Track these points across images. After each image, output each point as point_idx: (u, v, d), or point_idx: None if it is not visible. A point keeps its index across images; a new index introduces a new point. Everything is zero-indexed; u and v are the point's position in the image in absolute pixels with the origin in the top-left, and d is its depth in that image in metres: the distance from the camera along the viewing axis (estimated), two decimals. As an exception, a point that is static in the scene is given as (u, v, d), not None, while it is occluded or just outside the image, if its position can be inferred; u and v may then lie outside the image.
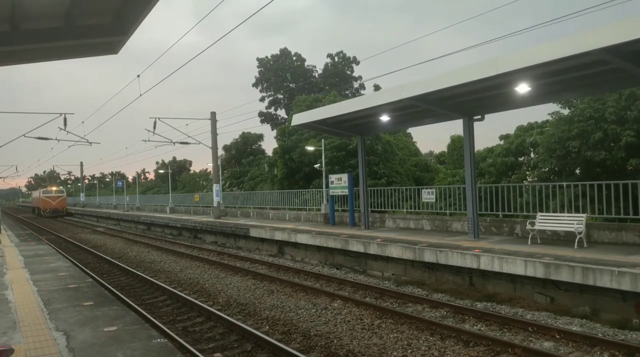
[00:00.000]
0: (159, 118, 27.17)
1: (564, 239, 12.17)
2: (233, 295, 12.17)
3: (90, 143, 31.81)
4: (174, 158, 70.64)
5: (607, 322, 8.62)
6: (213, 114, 30.03)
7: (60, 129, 24.76)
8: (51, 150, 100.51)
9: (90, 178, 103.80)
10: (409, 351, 7.71)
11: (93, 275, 14.93)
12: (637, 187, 11.46)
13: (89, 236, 31.57)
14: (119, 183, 66.75)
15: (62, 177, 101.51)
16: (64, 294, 9.34)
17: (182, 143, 32.05)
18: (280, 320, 9.74)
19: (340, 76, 49.05)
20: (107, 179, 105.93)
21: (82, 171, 72.54)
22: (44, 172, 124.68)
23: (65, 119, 23.78)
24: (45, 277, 11.26)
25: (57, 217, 57.17)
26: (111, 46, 8.28)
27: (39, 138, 28.64)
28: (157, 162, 76.25)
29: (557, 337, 8.02)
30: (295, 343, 8.33)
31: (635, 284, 8.27)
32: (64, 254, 19.77)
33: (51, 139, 29.59)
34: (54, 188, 61.56)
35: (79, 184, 73.73)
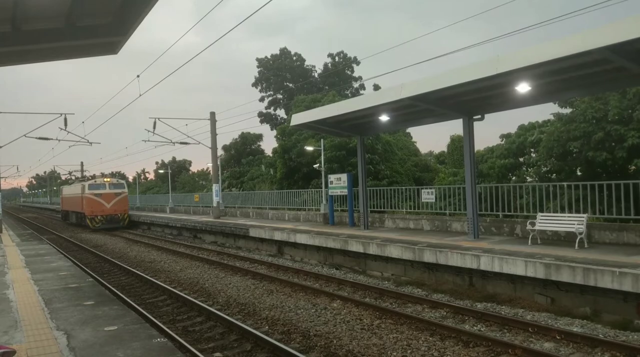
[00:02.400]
0: (158, 118, 27.24)
1: (565, 239, 12.16)
2: (233, 295, 12.18)
3: (91, 143, 31.87)
4: (174, 158, 70.59)
5: (608, 323, 8.62)
6: (212, 114, 30.02)
7: (61, 129, 24.82)
8: (52, 151, 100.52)
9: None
10: (409, 351, 7.71)
11: (93, 275, 14.94)
12: (638, 188, 11.43)
13: (89, 235, 31.56)
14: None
15: (63, 177, 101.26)
16: (64, 293, 9.35)
17: (181, 143, 32.06)
18: (280, 320, 9.74)
19: (340, 76, 49.00)
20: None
21: (82, 171, 72.40)
22: (45, 172, 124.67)
23: (65, 119, 23.85)
24: (46, 277, 11.27)
25: (115, 230, 33.72)
26: (111, 46, 8.28)
27: (40, 138, 28.67)
28: (156, 162, 76.23)
29: (558, 338, 8.01)
30: (295, 343, 8.35)
31: (636, 284, 8.24)
32: (64, 253, 19.76)
33: (52, 139, 29.63)
34: (108, 180, 36.39)
35: (79, 184, 73.43)
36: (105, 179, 36.12)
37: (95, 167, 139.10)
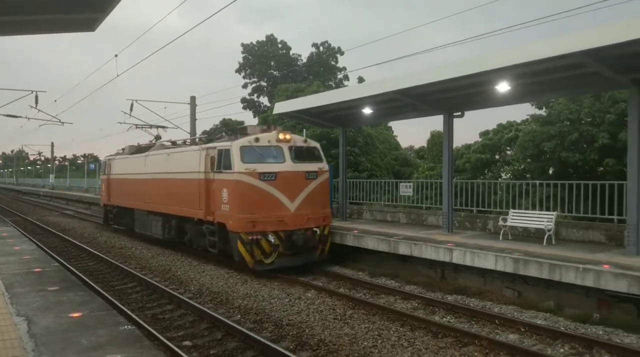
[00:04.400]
0: (136, 100, 26.54)
1: (534, 235, 12.40)
2: (205, 283, 12.06)
3: (62, 123, 30.97)
4: (151, 142, 69.43)
5: (570, 317, 8.87)
6: (193, 99, 29.57)
7: (31, 107, 24.06)
8: (20, 129, 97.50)
9: (61, 159, 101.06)
10: (379, 341, 7.79)
11: (59, 259, 14.55)
12: (605, 188, 11.76)
13: (57, 218, 30.79)
14: (92, 166, 65.22)
15: (32, 158, 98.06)
16: (27, 278, 9.07)
17: (159, 127, 31.43)
18: (253, 309, 9.70)
19: (324, 66, 48.83)
20: (80, 161, 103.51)
21: (52, 152, 70.63)
22: (12, 151, 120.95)
23: (36, 97, 23.14)
24: (8, 260, 10.91)
25: (301, 272, 12.66)
26: (88, 23, 8.04)
27: (8, 116, 27.75)
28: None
29: (522, 330, 8.23)
30: (267, 332, 8.33)
31: (598, 280, 8.51)
32: (29, 237, 19.22)
33: (21, 117, 28.68)
34: (286, 136, 13.33)
35: (49, 165, 71.42)
36: (281, 135, 13.41)
37: (67, 148, 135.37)
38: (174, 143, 19.15)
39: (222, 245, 13.30)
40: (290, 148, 13.21)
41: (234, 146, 12.70)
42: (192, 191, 14.43)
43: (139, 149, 21.48)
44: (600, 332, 8.06)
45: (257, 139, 12.88)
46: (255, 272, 12.46)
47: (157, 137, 24.63)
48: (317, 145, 14.38)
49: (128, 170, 20.50)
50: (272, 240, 12.24)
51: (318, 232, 13.09)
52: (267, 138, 13.11)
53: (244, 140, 12.90)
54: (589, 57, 8.87)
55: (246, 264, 12.33)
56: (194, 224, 14.72)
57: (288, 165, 12.89)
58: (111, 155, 24.52)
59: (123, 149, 23.50)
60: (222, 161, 13.06)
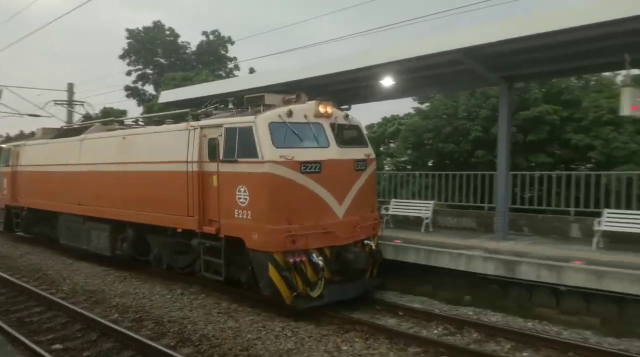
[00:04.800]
0: (5, 86, 23.64)
1: (414, 223, 13.25)
2: (80, 282, 11.24)
3: None
4: (22, 132, 62.33)
5: (444, 300, 9.59)
6: (70, 85, 27.07)
7: None
8: None
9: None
10: (264, 332, 7.82)
11: None
12: (478, 178, 12.94)
13: None
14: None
15: None
16: None
17: (31, 115, 28.27)
18: (132, 307, 9.23)
19: (214, 55, 47.48)
20: None
21: None
22: None
23: None
24: None
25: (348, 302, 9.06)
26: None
27: None
28: (0, 135, 66.69)
29: (400, 314, 8.75)
30: (146, 330, 7.98)
31: (469, 264, 9.29)
32: None
33: None
34: (327, 108, 9.37)
35: None
36: (321, 108, 9.28)
37: None
38: (121, 123, 14.63)
39: (232, 269, 9.34)
40: (332, 126, 9.38)
41: (260, 122, 8.55)
42: (172, 189, 10.09)
43: (66, 132, 15.78)
44: (470, 313, 8.81)
45: (290, 113, 8.80)
46: (291, 308, 8.51)
47: (88, 117, 18.93)
48: (360, 123, 10.50)
49: (49, 160, 15.02)
50: (319, 262, 8.39)
51: (372, 246, 9.57)
52: (303, 111, 9.07)
53: (272, 114, 8.76)
54: (465, 55, 9.58)
55: (282, 300, 8.30)
56: (172, 236, 10.45)
57: (333, 151, 9.04)
58: (18, 141, 19.70)
59: (34, 133, 18.57)
60: (236, 145, 8.84)
